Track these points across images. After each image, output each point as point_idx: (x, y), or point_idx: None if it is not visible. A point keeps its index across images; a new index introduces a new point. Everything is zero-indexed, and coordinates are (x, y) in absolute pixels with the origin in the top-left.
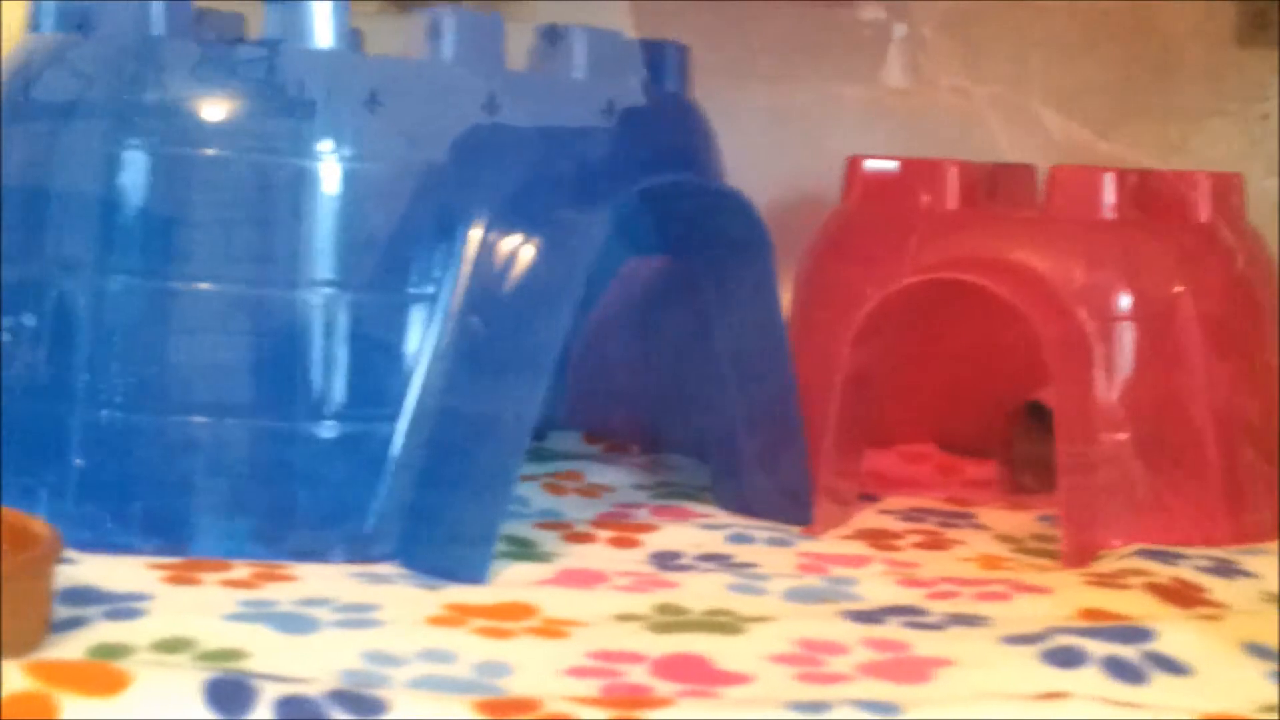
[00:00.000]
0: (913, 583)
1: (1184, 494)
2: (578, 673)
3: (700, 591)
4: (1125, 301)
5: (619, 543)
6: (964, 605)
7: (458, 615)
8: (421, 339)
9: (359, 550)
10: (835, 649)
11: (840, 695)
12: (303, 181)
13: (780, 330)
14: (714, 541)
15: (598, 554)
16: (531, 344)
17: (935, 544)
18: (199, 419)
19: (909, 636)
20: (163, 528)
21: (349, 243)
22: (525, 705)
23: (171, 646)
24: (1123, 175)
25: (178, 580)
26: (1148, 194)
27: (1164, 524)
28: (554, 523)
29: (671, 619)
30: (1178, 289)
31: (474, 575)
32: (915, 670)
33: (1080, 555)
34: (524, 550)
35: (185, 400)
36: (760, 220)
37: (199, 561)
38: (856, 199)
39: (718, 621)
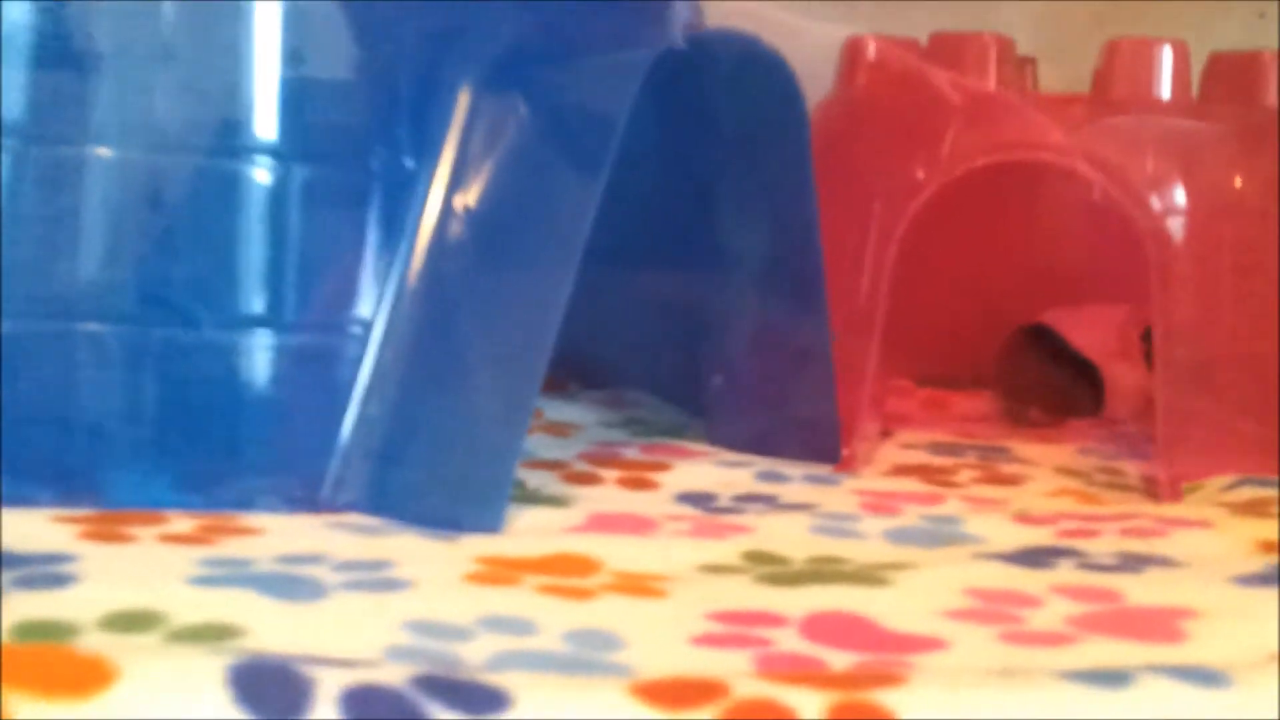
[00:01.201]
0: (1026, 520)
1: (1259, 420)
2: (710, 641)
3: (784, 535)
4: (1203, 197)
5: (632, 484)
6: (1124, 544)
7: (505, 571)
8: (398, 229)
9: (316, 497)
10: (1023, 600)
11: (1093, 658)
12: (239, 18)
13: (815, 228)
14: (744, 480)
15: (617, 496)
16: (551, 229)
17: (998, 479)
18: (99, 327)
19: (1105, 582)
20: (62, 471)
21: (296, 99)
22: (707, 690)
23: (132, 622)
24: (1181, 50)
25: (102, 537)
26: (1212, 75)
27: (1238, 454)
28: (539, 462)
29: (778, 569)
30: (1248, 181)
31: (488, 523)
32: (1157, 624)
33: (1175, 488)
34: (527, 494)
35: (82, 304)
36: (799, 87)
37: (121, 514)
38: (863, 85)
39: (842, 571)
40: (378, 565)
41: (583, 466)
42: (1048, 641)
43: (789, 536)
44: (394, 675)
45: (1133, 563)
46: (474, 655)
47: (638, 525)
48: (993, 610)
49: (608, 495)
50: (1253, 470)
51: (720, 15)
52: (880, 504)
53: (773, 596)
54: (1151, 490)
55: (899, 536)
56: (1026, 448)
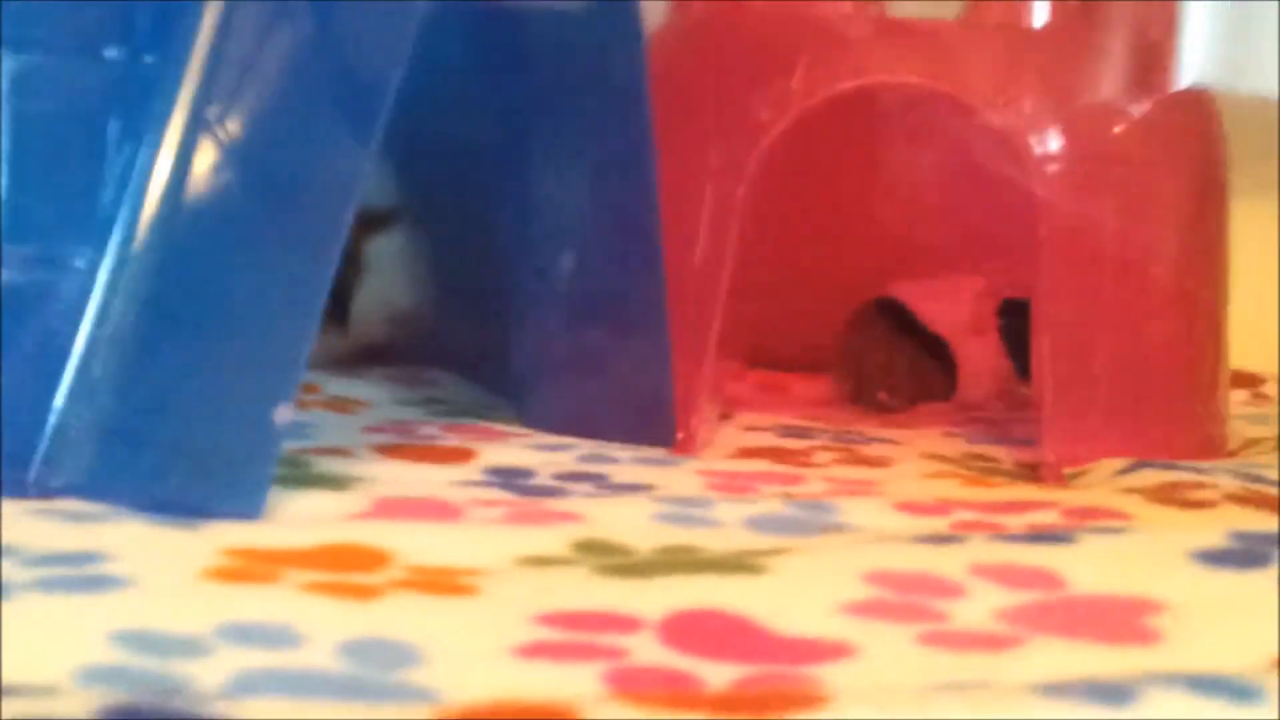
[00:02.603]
0: (911, 508)
1: (1148, 401)
2: (542, 651)
3: (622, 521)
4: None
5: (430, 461)
6: (1040, 524)
7: (259, 565)
8: (132, 141)
9: (22, 479)
10: (939, 588)
11: (1045, 668)
12: None
13: (650, 176)
14: (565, 461)
15: (410, 477)
16: (327, 162)
17: (861, 461)
18: None
19: (1036, 558)
20: None
21: None
22: (545, 718)
23: None
24: None
25: None
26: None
27: (1122, 435)
28: (317, 444)
29: (620, 560)
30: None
31: (245, 508)
32: (1120, 620)
33: (1057, 472)
34: (298, 475)
35: None
36: (637, 10)
37: None
38: (699, 11)
39: (701, 560)
40: (86, 559)
41: (369, 443)
42: (983, 644)
43: (628, 522)
44: (78, 707)
45: (1054, 541)
46: (207, 676)
47: (437, 510)
48: (904, 603)
49: (398, 475)
50: (1131, 453)
51: None
52: (731, 485)
53: (618, 593)
54: (1034, 476)
55: (763, 524)
56: (883, 431)
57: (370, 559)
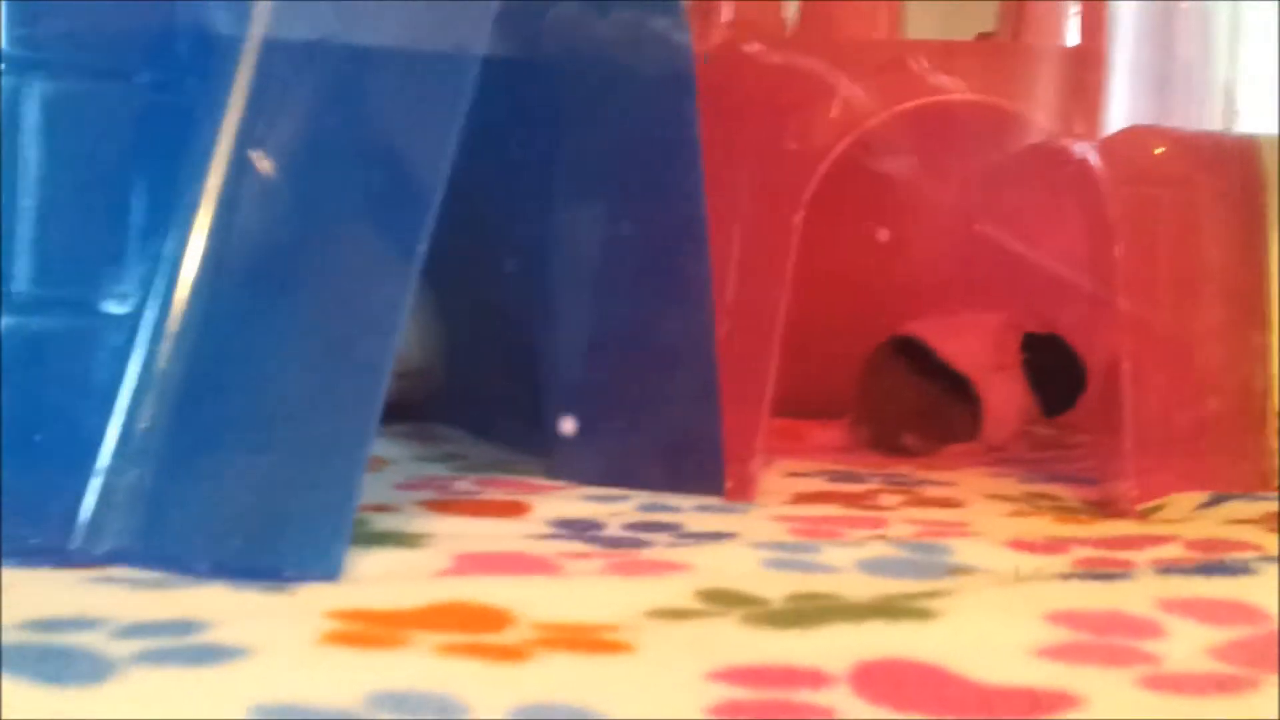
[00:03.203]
0: (1022, 546)
1: (1203, 434)
2: (736, 711)
3: (732, 569)
4: (1134, 163)
5: (488, 514)
6: (1180, 558)
7: (379, 628)
8: (175, 171)
9: (63, 547)
10: (1134, 628)
11: None
12: None
13: (700, 215)
14: (626, 510)
15: (476, 531)
16: (396, 193)
17: (933, 502)
18: None
19: (1227, 591)
20: None
21: None
22: None
23: None
24: None
25: None
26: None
27: (1181, 470)
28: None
29: (759, 610)
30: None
31: (321, 567)
32: None
33: (1134, 508)
34: (359, 531)
35: None
36: (688, 36)
37: None
38: (720, 42)
39: (841, 606)
40: (185, 628)
41: (413, 500)
42: (1214, 687)
43: (739, 569)
44: None
45: (1226, 570)
46: None
47: (529, 565)
48: (1104, 644)
49: (463, 530)
50: (1193, 487)
51: None
52: (816, 530)
53: (783, 645)
54: (1109, 512)
55: (880, 567)
56: (925, 474)
57: (492, 618)
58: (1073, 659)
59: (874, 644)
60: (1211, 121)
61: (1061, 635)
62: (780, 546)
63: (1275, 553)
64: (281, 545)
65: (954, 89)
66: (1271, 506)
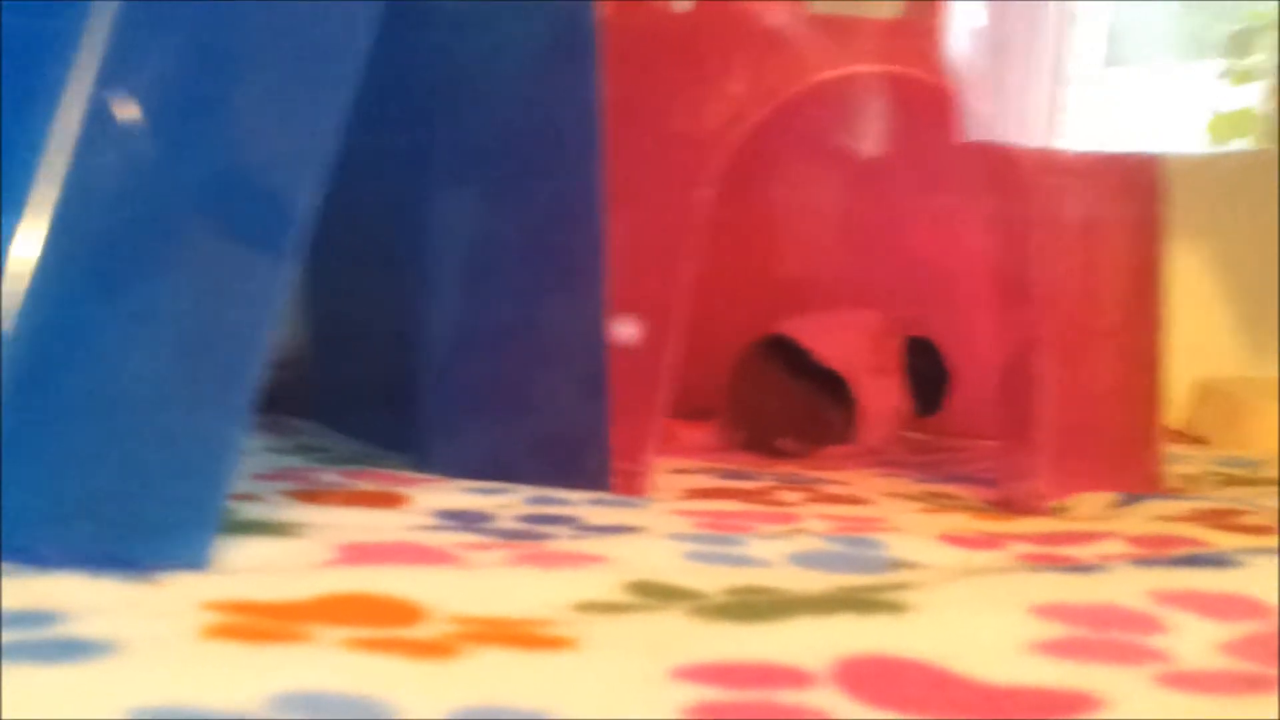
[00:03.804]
0: (955, 540)
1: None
2: (721, 713)
3: (658, 563)
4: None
5: (364, 504)
6: (1126, 554)
7: (268, 621)
8: (24, 121)
9: None
10: (1134, 622)
11: None
12: None
13: (596, 199)
14: (516, 504)
15: (355, 522)
16: (284, 143)
17: (838, 499)
18: None
19: (1221, 583)
20: None
21: None
22: None
23: None
24: None
25: None
26: None
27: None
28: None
29: (703, 604)
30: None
31: (188, 556)
32: None
33: (1045, 506)
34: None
35: None
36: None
37: None
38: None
39: (795, 600)
40: (40, 620)
41: (277, 490)
42: (1243, 685)
43: (665, 562)
44: None
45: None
46: None
47: (426, 555)
48: (1107, 640)
49: (340, 520)
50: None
51: None
52: (725, 524)
53: (749, 640)
54: (1018, 511)
55: (817, 561)
56: (817, 474)
57: (400, 611)
58: (1078, 656)
59: (850, 639)
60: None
61: (1056, 630)
62: (697, 539)
63: (1225, 547)
64: (139, 532)
65: (868, 62)
66: (1195, 505)
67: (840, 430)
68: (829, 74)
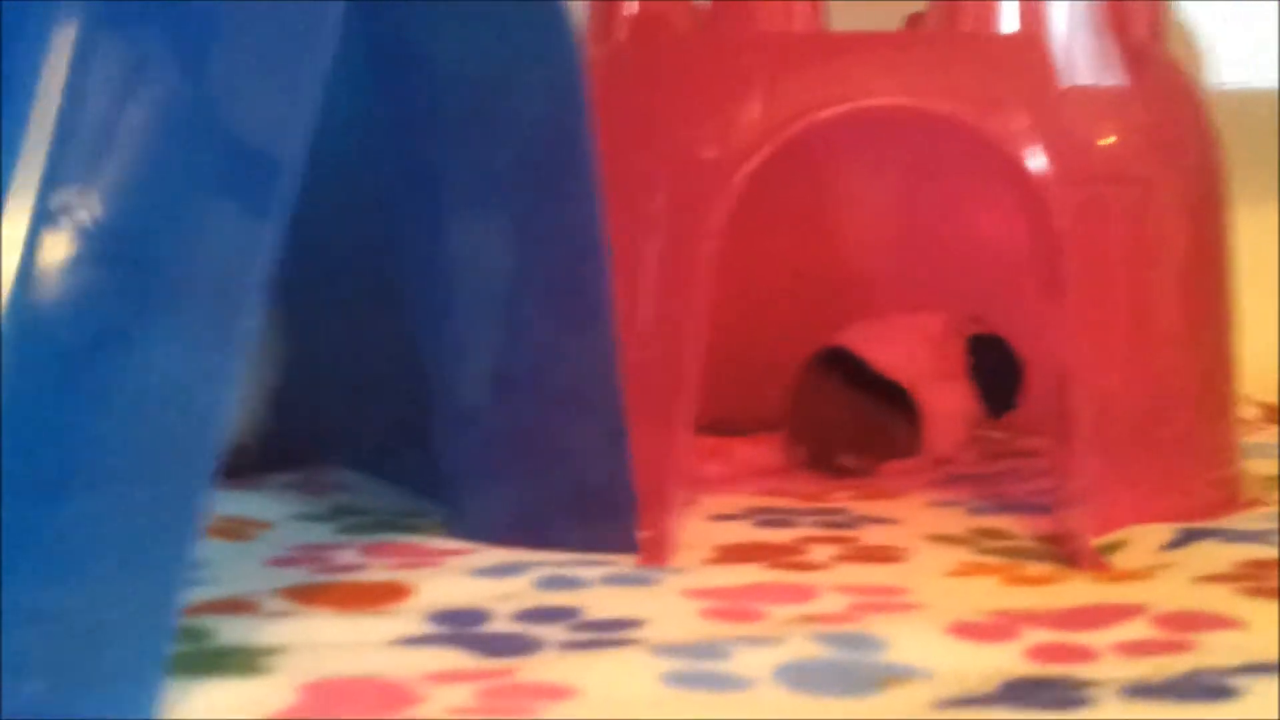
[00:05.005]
0: (964, 630)
1: (1162, 442)
2: None
3: (627, 691)
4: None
5: (361, 604)
6: (1149, 668)
7: None
8: None
9: None
10: None
11: None
12: None
13: (596, 231)
14: (522, 589)
15: (337, 639)
16: (218, 248)
17: (867, 555)
18: None
19: None
20: None
21: None
22: None
23: None
24: None
25: None
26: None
27: (1141, 485)
28: (213, 595)
29: None
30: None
31: (128, 711)
32: None
33: (1093, 555)
34: (195, 650)
35: None
36: (570, 35)
37: None
38: (625, 42)
39: None
40: None
41: (279, 587)
42: None
43: (635, 691)
44: None
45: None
46: None
47: (384, 696)
48: None
49: (323, 636)
50: (1156, 504)
51: None
52: (731, 611)
53: None
54: (1063, 554)
55: (802, 678)
56: (866, 505)
57: None
58: None
59: None
60: None
61: None
62: (687, 651)
63: (1253, 626)
64: (80, 686)
65: (882, 90)
66: (1245, 552)
67: (906, 442)
68: (830, 113)
